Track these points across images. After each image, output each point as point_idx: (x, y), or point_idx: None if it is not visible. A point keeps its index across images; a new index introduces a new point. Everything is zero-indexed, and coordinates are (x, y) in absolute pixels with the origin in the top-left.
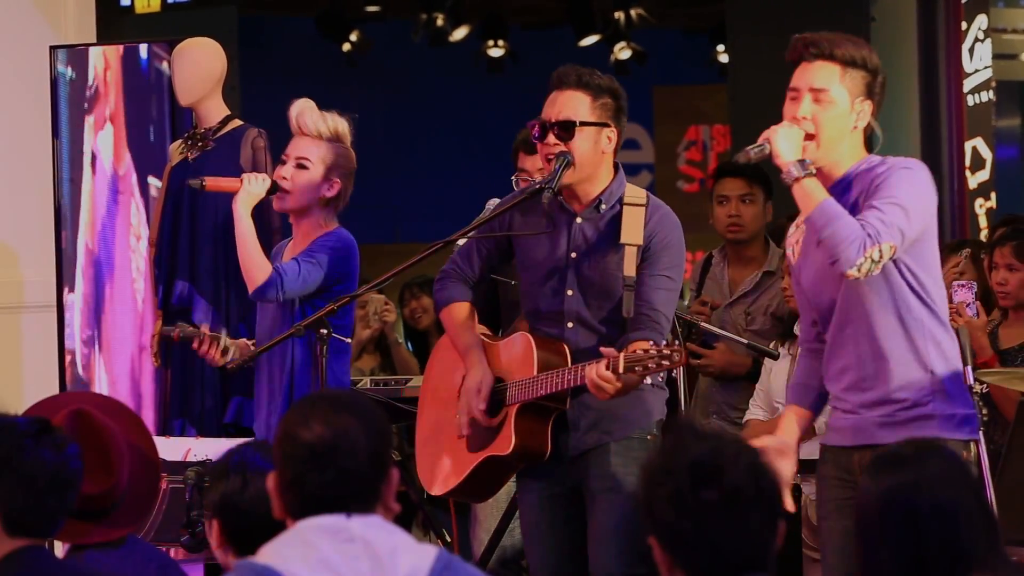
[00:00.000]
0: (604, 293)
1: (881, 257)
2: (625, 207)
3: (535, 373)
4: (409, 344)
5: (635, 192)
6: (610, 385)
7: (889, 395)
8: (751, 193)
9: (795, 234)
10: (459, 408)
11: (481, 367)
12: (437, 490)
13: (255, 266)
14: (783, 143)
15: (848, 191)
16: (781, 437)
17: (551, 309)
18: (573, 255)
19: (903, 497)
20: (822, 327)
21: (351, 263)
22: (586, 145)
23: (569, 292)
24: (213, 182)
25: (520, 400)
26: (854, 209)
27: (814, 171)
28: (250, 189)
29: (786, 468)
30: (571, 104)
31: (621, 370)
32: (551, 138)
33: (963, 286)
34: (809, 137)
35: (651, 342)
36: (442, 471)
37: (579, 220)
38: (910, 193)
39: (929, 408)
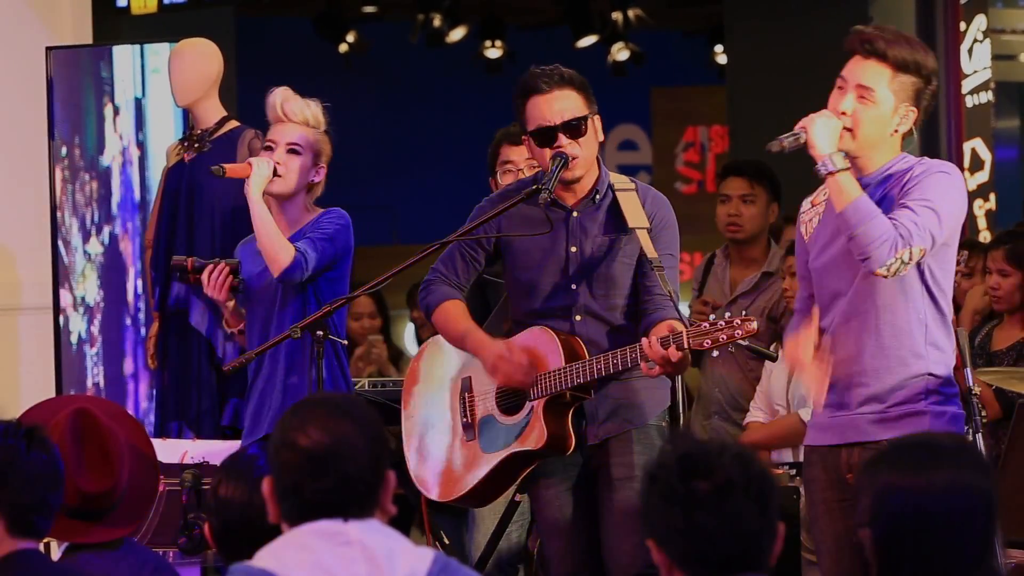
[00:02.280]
0: (609, 282)
1: (911, 259)
2: (618, 193)
3: (563, 364)
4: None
5: (619, 178)
6: (675, 360)
7: (884, 393)
8: (752, 194)
9: (809, 212)
10: (498, 384)
11: (494, 340)
12: (444, 495)
13: (279, 248)
14: (820, 134)
15: (881, 186)
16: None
17: (556, 304)
18: (573, 249)
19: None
20: (820, 314)
21: (351, 237)
22: (592, 139)
23: (573, 286)
24: (231, 168)
25: (551, 392)
26: (884, 204)
27: (849, 165)
28: (259, 172)
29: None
30: (568, 103)
31: (687, 345)
32: (562, 139)
33: None
34: (847, 130)
35: (711, 316)
36: (449, 476)
37: (575, 214)
38: (945, 198)
39: (921, 406)
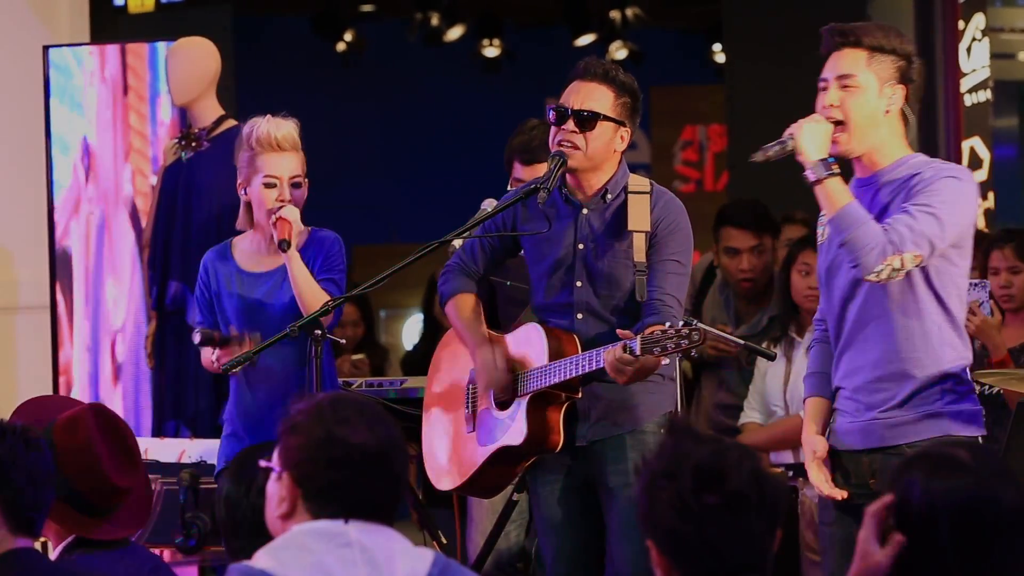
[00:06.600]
0: (613, 282)
1: (903, 265)
2: (630, 195)
3: (547, 362)
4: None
5: (639, 181)
6: (629, 367)
7: (903, 397)
8: (760, 244)
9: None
10: (480, 389)
11: (492, 347)
12: (447, 485)
13: (316, 299)
14: (808, 140)
15: (888, 186)
16: (816, 445)
17: (560, 301)
18: (580, 246)
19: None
20: (828, 320)
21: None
22: (602, 139)
23: (578, 283)
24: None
25: (533, 389)
26: (890, 208)
27: (838, 171)
28: (296, 222)
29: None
30: (595, 96)
31: (639, 352)
32: (570, 124)
33: (976, 285)
34: (839, 125)
35: (667, 323)
36: (453, 466)
37: (585, 211)
38: (949, 204)
39: (938, 406)
